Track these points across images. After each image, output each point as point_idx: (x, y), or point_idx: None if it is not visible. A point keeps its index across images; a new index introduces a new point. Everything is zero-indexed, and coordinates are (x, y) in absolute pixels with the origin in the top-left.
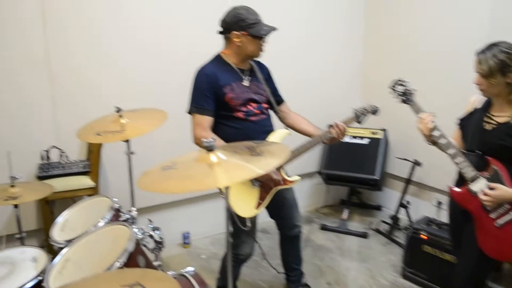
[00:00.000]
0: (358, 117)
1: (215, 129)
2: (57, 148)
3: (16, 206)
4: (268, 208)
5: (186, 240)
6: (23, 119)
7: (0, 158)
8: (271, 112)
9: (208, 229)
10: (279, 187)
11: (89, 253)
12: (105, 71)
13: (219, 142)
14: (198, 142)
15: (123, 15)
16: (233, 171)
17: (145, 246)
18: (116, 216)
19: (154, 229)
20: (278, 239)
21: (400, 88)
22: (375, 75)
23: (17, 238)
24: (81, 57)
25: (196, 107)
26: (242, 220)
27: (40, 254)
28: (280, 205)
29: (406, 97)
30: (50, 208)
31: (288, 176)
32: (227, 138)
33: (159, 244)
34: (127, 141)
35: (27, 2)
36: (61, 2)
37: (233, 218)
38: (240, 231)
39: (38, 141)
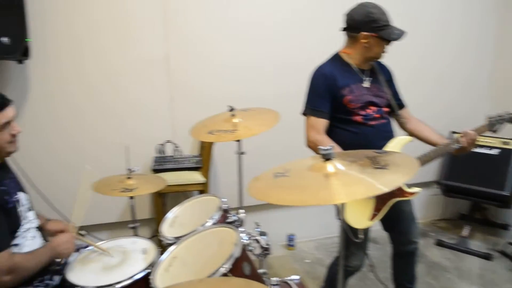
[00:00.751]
0: (493, 125)
1: (330, 133)
2: (171, 142)
3: (131, 197)
4: (382, 220)
5: (290, 242)
6: (143, 115)
7: (120, 151)
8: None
9: (314, 232)
10: (397, 199)
11: (195, 253)
12: (220, 70)
13: (335, 147)
14: (310, 146)
15: (238, 16)
16: (352, 186)
17: (250, 251)
18: (224, 217)
19: (261, 234)
20: (390, 252)
21: None
22: (509, 79)
23: (130, 228)
24: (198, 56)
25: (311, 108)
26: (354, 231)
27: (150, 247)
28: (396, 218)
29: None
30: (162, 200)
31: (408, 187)
32: (343, 143)
33: (265, 251)
34: (238, 140)
35: (149, 4)
36: (181, 3)
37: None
38: (350, 242)
39: (155, 135)
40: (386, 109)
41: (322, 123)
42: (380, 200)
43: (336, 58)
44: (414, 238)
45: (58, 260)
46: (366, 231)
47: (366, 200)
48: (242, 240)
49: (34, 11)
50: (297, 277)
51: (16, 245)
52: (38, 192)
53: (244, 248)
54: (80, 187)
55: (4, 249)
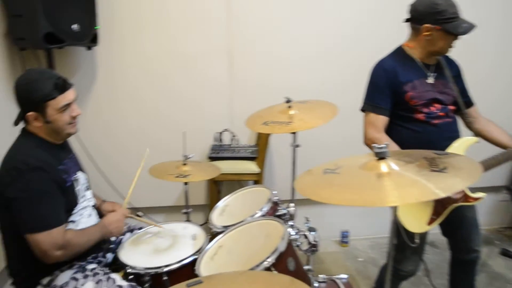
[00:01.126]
0: None
1: (390, 131)
2: (229, 131)
3: (186, 183)
4: (442, 224)
5: (344, 239)
6: (203, 102)
7: (179, 137)
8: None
9: (369, 231)
10: (459, 204)
11: (241, 244)
12: (281, 61)
13: (393, 146)
14: (368, 143)
15: (301, 10)
16: (406, 188)
17: (297, 246)
18: (274, 209)
19: (310, 229)
20: (448, 258)
21: None
22: None
23: (183, 213)
24: (259, 48)
25: (370, 104)
26: (410, 235)
27: (200, 233)
28: (457, 224)
29: None
30: (217, 187)
31: (472, 192)
32: (403, 142)
33: (313, 247)
34: (294, 133)
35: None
36: None
37: (400, 231)
38: (406, 246)
39: (215, 123)
40: (452, 107)
41: (381, 120)
42: (440, 204)
43: (399, 52)
44: (476, 247)
45: (113, 238)
46: (423, 235)
47: (424, 203)
48: (289, 235)
49: (103, 0)
50: (345, 276)
51: (72, 221)
52: (99, 171)
53: (291, 243)
54: (138, 169)
55: (59, 225)
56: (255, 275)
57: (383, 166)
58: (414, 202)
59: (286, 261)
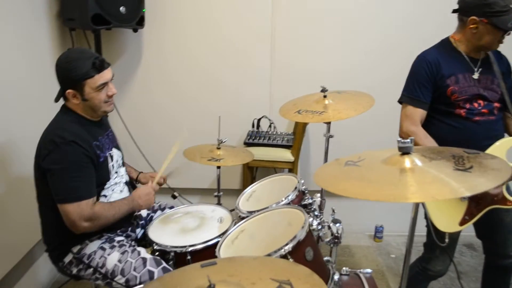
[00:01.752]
0: None
1: (427, 125)
2: (267, 118)
3: (218, 167)
4: (477, 226)
5: (378, 234)
6: (243, 88)
7: (215, 122)
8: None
9: (404, 227)
10: (496, 206)
11: (262, 230)
12: (323, 50)
13: (429, 141)
14: (403, 137)
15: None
16: (428, 185)
17: (320, 237)
18: (299, 198)
19: (335, 221)
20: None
21: None
22: None
23: (214, 196)
24: (302, 35)
25: (409, 97)
26: (441, 234)
27: (227, 217)
28: (493, 227)
29: None
30: (252, 173)
31: (511, 195)
32: (441, 138)
33: (335, 239)
34: (329, 123)
35: None
36: None
37: (430, 230)
38: (435, 245)
39: (253, 109)
40: (497, 105)
41: (419, 113)
42: (475, 204)
43: (445, 44)
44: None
45: (144, 213)
46: (455, 235)
47: (457, 202)
48: (310, 224)
49: None
50: (369, 270)
51: (104, 196)
52: (138, 149)
53: (311, 233)
54: (172, 147)
55: (88, 198)
56: (269, 261)
57: (407, 161)
58: (448, 201)
59: (304, 250)
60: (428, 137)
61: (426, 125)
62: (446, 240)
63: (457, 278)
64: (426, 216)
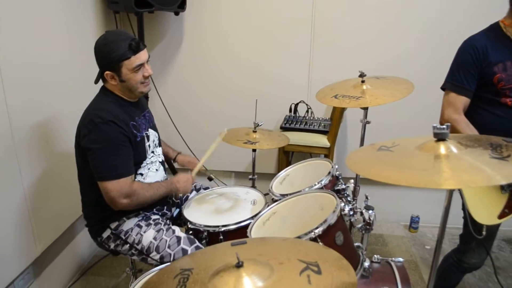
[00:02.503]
0: None
1: (471, 113)
2: (305, 103)
3: (254, 150)
4: None
5: (414, 225)
6: (282, 72)
7: (253, 106)
8: None
9: (440, 218)
10: None
11: (294, 213)
12: (363, 36)
13: (471, 129)
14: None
15: None
16: (463, 172)
17: (352, 224)
18: (333, 183)
19: (367, 207)
20: None
21: None
22: None
23: (249, 179)
24: (341, 20)
25: (453, 83)
26: (478, 226)
27: (260, 199)
28: None
29: None
30: (287, 157)
31: None
32: (485, 127)
33: (367, 225)
34: (365, 108)
35: None
36: None
37: (467, 221)
38: (471, 237)
39: (292, 94)
40: None
41: (462, 101)
42: None
43: (494, 29)
44: None
45: (180, 195)
46: (493, 228)
47: (497, 194)
48: (341, 209)
49: None
50: (401, 259)
51: (140, 174)
52: (177, 130)
53: (342, 218)
54: (213, 144)
55: (127, 175)
56: (299, 243)
57: (442, 148)
58: (488, 191)
59: (334, 235)
60: (470, 125)
61: (470, 113)
62: (484, 232)
63: (494, 273)
64: (464, 207)
